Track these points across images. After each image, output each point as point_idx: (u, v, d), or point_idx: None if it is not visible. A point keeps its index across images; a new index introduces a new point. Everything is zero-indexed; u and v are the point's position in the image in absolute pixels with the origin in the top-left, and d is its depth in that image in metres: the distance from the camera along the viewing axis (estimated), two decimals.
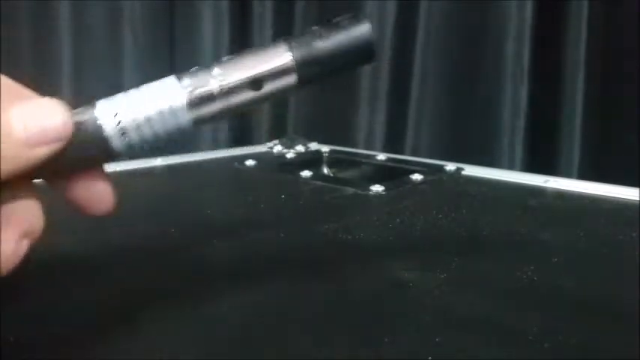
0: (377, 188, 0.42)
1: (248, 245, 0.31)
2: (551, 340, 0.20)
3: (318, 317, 0.22)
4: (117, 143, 0.20)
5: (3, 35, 0.72)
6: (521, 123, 0.72)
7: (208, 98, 0.21)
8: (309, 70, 0.21)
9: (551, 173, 0.54)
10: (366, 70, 0.81)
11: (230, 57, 0.21)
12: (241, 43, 0.88)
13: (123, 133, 0.20)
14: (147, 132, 0.20)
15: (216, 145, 0.82)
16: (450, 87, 0.77)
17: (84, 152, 0.20)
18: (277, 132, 0.84)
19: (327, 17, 0.22)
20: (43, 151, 0.19)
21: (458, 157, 0.54)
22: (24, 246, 0.20)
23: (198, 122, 0.21)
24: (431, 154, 0.74)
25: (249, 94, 0.21)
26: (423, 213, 0.37)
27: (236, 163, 0.52)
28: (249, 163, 0.51)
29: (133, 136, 0.20)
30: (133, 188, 0.43)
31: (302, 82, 0.22)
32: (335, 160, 0.58)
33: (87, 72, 0.80)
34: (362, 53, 0.22)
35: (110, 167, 0.40)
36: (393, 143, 0.81)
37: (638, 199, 0.40)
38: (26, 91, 0.20)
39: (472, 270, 0.27)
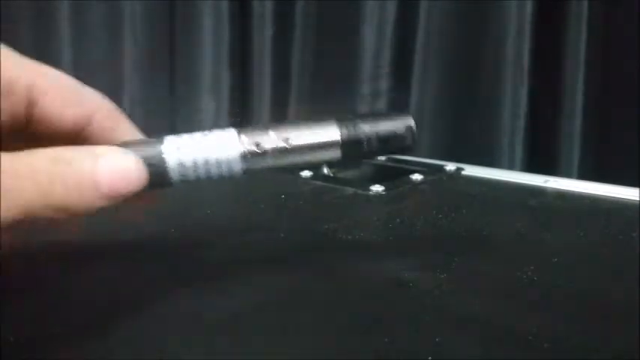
0: (377, 188, 0.42)
1: (248, 245, 0.31)
2: (551, 340, 0.20)
3: (317, 317, 0.22)
4: (174, 176, 0.23)
5: (3, 35, 0.72)
6: (521, 123, 0.72)
7: (260, 155, 0.24)
8: (352, 148, 0.25)
9: (551, 173, 0.54)
10: (366, 69, 0.81)
11: (286, 123, 0.25)
12: (241, 42, 0.88)
13: (181, 169, 0.23)
14: (201, 172, 0.24)
15: None
16: (450, 87, 0.77)
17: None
18: None
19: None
20: (114, 201, 0.21)
21: (458, 157, 0.54)
22: None
23: (247, 172, 0.24)
24: (431, 154, 0.74)
25: (295, 159, 0.24)
26: (423, 213, 0.37)
27: None
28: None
29: (189, 173, 0.24)
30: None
31: (345, 158, 0.25)
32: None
33: (87, 72, 0.80)
34: (401, 143, 0.25)
35: None
36: None
37: (638, 199, 0.40)
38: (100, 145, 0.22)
39: (472, 270, 0.27)
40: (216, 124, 0.86)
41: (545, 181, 0.45)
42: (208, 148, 0.24)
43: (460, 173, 0.49)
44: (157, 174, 0.23)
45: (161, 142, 0.24)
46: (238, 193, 0.45)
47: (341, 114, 0.25)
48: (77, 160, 0.20)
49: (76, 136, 0.23)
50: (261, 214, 0.37)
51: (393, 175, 0.48)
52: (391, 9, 0.79)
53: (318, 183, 0.45)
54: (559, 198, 0.42)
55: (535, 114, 0.72)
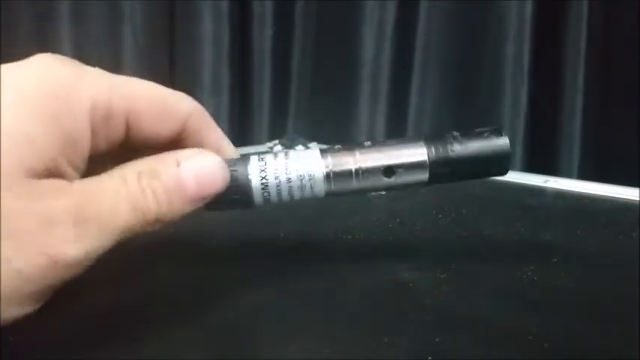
0: None
1: (247, 245, 0.31)
2: (551, 340, 0.20)
3: (317, 317, 0.22)
4: (257, 196, 0.23)
5: (3, 35, 0.72)
6: (521, 123, 0.72)
7: (344, 176, 0.23)
8: (441, 171, 0.23)
9: (551, 173, 0.54)
10: (367, 70, 0.82)
11: (371, 143, 0.24)
12: (241, 43, 0.88)
13: (265, 189, 0.23)
14: (284, 193, 0.23)
15: None
16: (450, 87, 0.77)
17: (228, 198, 0.23)
18: (277, 132, 0.84)
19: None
20: (199, 204, 0.21)
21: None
22: None
23: (330, 194, 0.23)
24: None
25: (381, 181, 0.23)
26: (423, 213, 0.37)
27: None
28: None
29: (272, 194, 0.23)
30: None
31: (432, 181, 0.23)
32: None
33: None
34: (496, 165, 0.23)
35: None
36: None
37: (638, 199, 0.40)
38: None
39: (472, 270, 0.27)
40: (216, 124, 0.87)
41: (545, 181, 0.45)
42: (292, 168, 0.23)
43: None
44: (242, 194, 0.23)
45: (247, 161, 0.23)
46: None
47: (431, 134, 0.24)
48: (162, 171, 0.20)
49: (170, 144, 0.23)
50: (261, 214, 0.37)
51: None
52: (391, 9, 0.79)
53: None
54: (559, 198, 0.42)
55: (535, 114, 0.72)
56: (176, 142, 0.23)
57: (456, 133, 0.23)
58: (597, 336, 0.21)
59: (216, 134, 0.24)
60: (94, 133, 0.20)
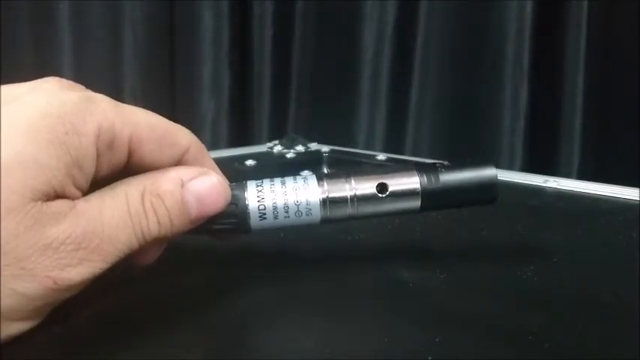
0: None
1: (247, 245, 0.31)
2: (551, 340, 0.20)
3: (317, 317, 0.22)
4: (254, 221, 0.23)
5: (3, 36, 0.72)
6: (522, 123, 0.72)
7: (340, 202, 0.24)
8: (432, 199, 0.24)
9: (551, 173, 0.54)
10: (366, 70, 0.82)
11: (366, 172, 0.24)
12: (241, 43, 0.88)
13: (262, 215, 0.23)
14: (280, 219, 0.23)
15: (216, 145, 0.83)
16: (450, 87, 0.77)
17: (223, 223, 0.23)
18: (277, 132, 0.84)
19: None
20: (200, 222, 0.22)
21: (458, 157, 0.54)
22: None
23: (325, 221, 0.24)
24: (431, 155, 0.74)
25: (374, 208, 0.24)
26: (423, 213, 0.37)
27: (236, 163, 0.52)
28: (249, 163, 0.51)
29: (269, 219, 0.23)
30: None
31: (423, 208, 0.24)
32: (335, 160, 0.58)
33: (87, 72, 0.80)
34: (483, 195, 0.25)
35: None
36: (393, 143, 0.81)
37: (638, 199, 0.40)
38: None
39: (472, 270, 0.27)
40: (216, 124, 0.87)
41: (545, 181, 0.45)
42: (289, 195, 0.23)
43: None
44: (239, 217, 0.23)
45: (244, 188, 0.24)
46: None
47: (422, 163, 0.25)
48: (166, 192, 0.21)
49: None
50: None
51: None
52: (391, 9, 0.79)
53: None
54: (559, 198, 0.42)
55: (535, 114, 0.72)
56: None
57: (446, 163, 0.24)
58: (597, 336, 0.21)
59: (212, 166, 0.25)
60: (98, 156, 0.20)
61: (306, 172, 0.24)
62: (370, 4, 0.80)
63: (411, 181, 0.24)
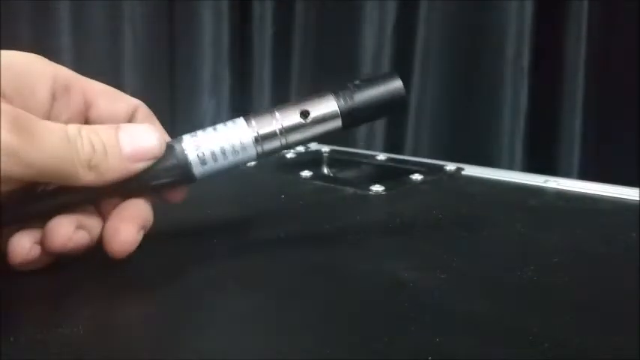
0: (377, 188, 0.41)
1: (248, 245, 0.31)
2: (551, 340, 0.20)
3: (317, 317, 0.22)
4: (196, 170, 0.25)
5: (3, 35, 0.72)
6: (521, 123, 0.72)
7: (270, 137, 0.26)
8: (351, 117, 0.27)
9: (551, 173, 0.54)
10: (367, 70, 0.81)
11: (288, 104, 0.27)
12: (241, 43, 0.88)
13: (202, 162, 0.25)
14: (221, 162, 0.26)
15: None
16: (450, 87, 0.77)
17: (169, 175, 0.25)
18: None
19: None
20: (139, 165, 0.24)
21: (458, 157, 0.54)
22: (140, 236, 0.25)
23: (261, 155, 0.26)
24: (431, 154, 0.74)
25: (302, 135, 0.26)
26: (423, 213, 0.37)
27: None
28: (249, 163, 0.51)
29: (210, 165, 0.25)
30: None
31: (345, 126, 0.27)
32: (335, 160, 0.58)
33: (87, 72, 0.80)
34: (394, 104, 0.27)
35: None
36: (393, 143, 0.81)
37: (638, 199, 0.40)
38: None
39: (472, 270, 0.27)
40: (216, 124, 0.87)
41: (545, 181, 0.45)
42: (223, 139, 0.25)
43: (460, 173, 0.49)
44: (180, 168, 0.25)
45: (180, 140, 0.26)
46: (238, 194, 0.45)
47: (335, 87, 0.27)
48: (101, 129, 0.24)
49: None
50: (262, 214, 0.37)
51: (393, 175, 0.48)
52: (391, 9, 0.79)
53: (318, 183, 0.45)
54: (559, 198, 0.42)
55: (535, 114, 0.72)
56: None
57: (357, 82, 0.27)
58: (597, 336, 0.21)
59: (159, 128, 0.28)
60: (56, 98, 0.25)
61: (239, 118, 0.26)
62: (370, 4, 0.80)
63: (330, 104, 0.26)
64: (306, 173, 0.46)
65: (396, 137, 0.81)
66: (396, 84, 0.27)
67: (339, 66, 0.84)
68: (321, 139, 0.28)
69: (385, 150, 0.77)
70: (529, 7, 0.70)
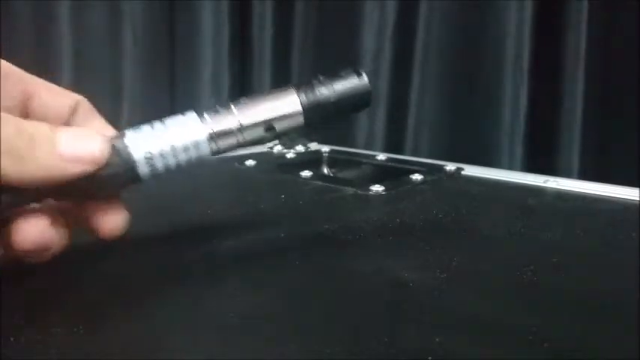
0: (377, 188, 0.42)
1: (248, 245, 0.31)
2: (551, 340, 0.20)
3: (317, 317, 0.22)
4: (143, 170, 0.23)
5: (3, 35, 0.72)
6: (521, 123, 0.72)
7: (226, 134, 0.24)
8: (314, 114, 0.25)
9: (551, 173, 0.54)
10: (367, 70, 0.81)
11: (246, 99, 0.25)
12: (241, 43, 0.88)
13: (149, 161, 0.23)
14: (170, 161, 0.23)
15: None
16: (450, 87, 0.77)
17: (113, 176, 0.23)
18: None
19: (331, 70, 0.26)
20: (76, 169, 0.22)
21: (458, 157, 0.54)
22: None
23: (216, 153, 0.24)
24: (431, 154, 0.74)
25: (261, 133, 0.24)
26: (423, 213, 0.37)
27: (236, 163, 0.52)
28: (249, 163, 0.51)
29: (158, 164, 0.23)
30: (133, 188, 0.43)
31: (308, 124, 0.25)
32: (335, 160, 0.58)
33: (87, 72, 0.80)
34: (359, 101, 0.26)
35: None
36: (392, 143, 0.81)
37: (638, 199, 0.40)
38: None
39: (472, 270, 0.27)
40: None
41: (545, 181, 0.45)
42: (173, 135, 0.23)
43: (460, 173, 0.49)
44: (125, 169, 0.23)
45: (123, 135, 0.23)
46: (238, 193, 0.45)
47: (299, 81, 0.26)
48: (38, 125, 0.22)
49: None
50: (262, 214, 0.37)
51: (393, 175, 0.48)
52: (391, 9, 0.79)
53: (318, 183, 0.45)
54: (559, 198, 0.42)
55: (535, 114, 0.72)
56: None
57: (321, 78, 0.26)
58: (597, 336, 0.21)
59: (102, 123, 0.27)
60: None
61: (191, 112, 0.24)
62: (370, 4, 0.80)
63: (291, 99, 0.25)
64: (306, 173, 0.46)
65: (396, 137, 0.81)
66: (362, 80, 0.26)
67: (339, 66, 0.84)
68: (281, 135, 0.26)
69: (385, 150, 0.77)
70: (529, 7, 0.70)
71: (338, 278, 0.26)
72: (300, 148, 0.59)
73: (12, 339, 0.19)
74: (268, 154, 0.58)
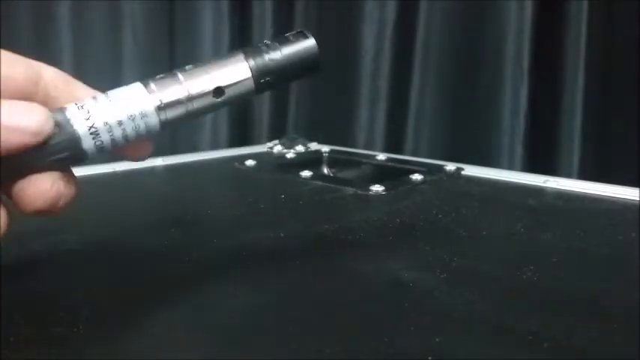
0: (377, 188, 0.42)
1: (248, 245, 0.31)
2: (551, 340, 0.20)
3: (317, 317, 0.22)
4: (88, 144, 0.22)
5: (3, 35, 0.72)
6: (521, 123, 0.72)
7: (175, 104, 0.23)
8: (263, 79, 0.24)
9: (551, 173, 0.54)
10: (367, 70, 0.81)
11: (193, 65, 0.24)
12: (241, 43, 0.88)
13: (94, 135, 0.22)
14: (117, 134, 0.22)
15: (216, 145, 0.82)
16: (450, 87, 0.77)
17: (57, 152, 0.21)
18: (277, 132, 0.84)
19: (281, 33, 0.25)
20: (15, 139, 0.21)
21: (458, 157, 0.54)
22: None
23: (165, 125, 0.23)
24: (431, 154, 0.74)
25: (211, 100, 0.23)
26: (423, 213, 0.37)
27: (236, 163, 0.52)
28: (249, 163, 0.51)
29: (104, 138, 0.22)
30: (133, 188, 0.43)
31: (258, 89, 0.24)
32: (335, 160, 0.58)
33: (87, 72, 0.80)
34: (309, 65, 0.26)
35: (110, 167, 0.40)
36: (393, 143, 0.81)
37: (638, 199, 0.40)
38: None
39: (472, 270, 0.27)
40: (216, 124, 0.87)
41: (545, 181, 0.45)
42: (118, 107, 0.22)
43: (460, 173, 0.49)
44: (69, 143, 0.22)
45: (64, 110, 0.22)
46: (239, 193, 0.45)
47: (247, 47, 0.25)
48: None
49: (28, 97, 0.23)
50: (261, 214, 0.37)
51: (393, 175, 0.48)
52: (391, 9, 0.79)
53: (318, 183, 0.45)
54: (559, 198, 0.42)
55: (535, 114, 0.72)
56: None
57: (268, 42, 0.25)
58: (597, 336, 0.21)
59: (88, 91, 0.24)
60: None
61: (136, 83, 0.23)
62: (370, 4, 0.80)
63: (240, 65, 0.24)
64: (306, 173, 0.46)
65: (396, 137, 0.81)
66: (309, 42, 0.25)
67: (339, 66, 0.84)
68: (230, 103, 0.24)
69: (385, 150, 0.77)
70: (529, 7, 0.70)
71: (338, 278, 0.26)
72: (300, 148, 0.59)
73: (12, 339, 0.19)
74: (268, 154, 0.58)
